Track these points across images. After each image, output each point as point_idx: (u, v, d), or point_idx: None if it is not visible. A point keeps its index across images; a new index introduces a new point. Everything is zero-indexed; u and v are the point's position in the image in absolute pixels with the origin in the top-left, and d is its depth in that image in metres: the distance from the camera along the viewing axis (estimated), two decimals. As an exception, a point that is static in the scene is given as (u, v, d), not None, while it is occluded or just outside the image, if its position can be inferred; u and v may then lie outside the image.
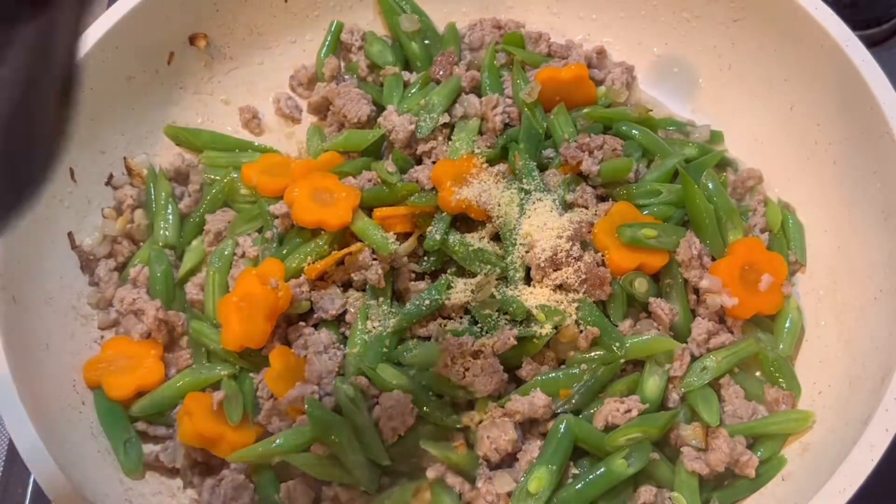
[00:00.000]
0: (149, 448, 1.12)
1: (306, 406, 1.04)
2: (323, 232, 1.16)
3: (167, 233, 1.25)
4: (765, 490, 1.04)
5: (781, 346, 1.14)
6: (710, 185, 1.19)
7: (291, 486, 1.04)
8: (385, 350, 1.09)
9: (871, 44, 1.43)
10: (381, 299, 1.13)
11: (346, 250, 1.13)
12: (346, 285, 1.16)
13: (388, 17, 1.43)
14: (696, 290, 1.15)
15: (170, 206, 1.27)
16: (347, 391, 1.04)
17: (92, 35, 1.21)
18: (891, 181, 1.09)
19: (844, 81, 1.15)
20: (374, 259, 1.12)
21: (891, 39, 1.51)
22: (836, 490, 0.90)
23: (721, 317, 1.15)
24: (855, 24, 1.18)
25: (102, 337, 1.20)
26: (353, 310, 1.13)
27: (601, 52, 1.39)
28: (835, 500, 0.89)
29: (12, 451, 1.24)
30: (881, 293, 1.08)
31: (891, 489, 1.02)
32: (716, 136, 1.34)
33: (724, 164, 1.29)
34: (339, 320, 1.14)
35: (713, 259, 1.16)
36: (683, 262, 1.14)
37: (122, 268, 1.24)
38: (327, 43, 1.42)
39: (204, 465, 1.10)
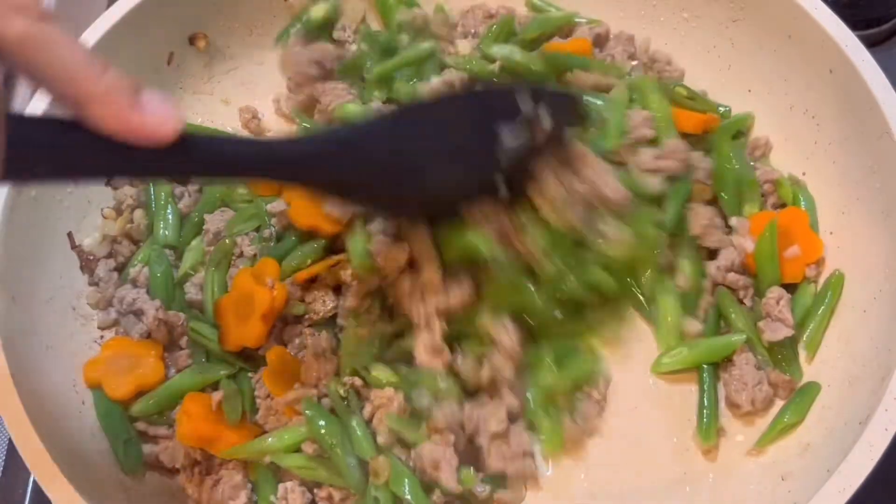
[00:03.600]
0: (149, 448, 1.12)
1: (303, 406, 1.04)
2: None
3: (167, 233, 1.25)
4: (764, 490, 1.04)
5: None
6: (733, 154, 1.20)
7: (290, 487, 1.04)
8: (376, 350, 1.09)
9: (871, 44, 1.43)
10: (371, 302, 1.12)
11: (331, 261, 1.12)
12: (338, 287, 1.15)
13: (382, 13, 1.41)
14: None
15: (170, 206, 1.27)
16: (341, 392, 1.05)
17: (92, 35, 1.21)
18: (890, 181, 1.08)
19: (844, 81, 1.14)
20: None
21: (891, 39, 1.51)
22: (835, 490, 0.89)
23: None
24: (855, 24, 1.18)
25: (102, 337, 1.20)
26: (344, 311, 1.12)
27: (604, 34, 1.37)
28: (834, 500, 0.89)
29: (12, 451, 1.24)
30: (881, 293, 1.07)
31: (891, 489, 1.02)
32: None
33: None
34: (331, 321, 1.14)
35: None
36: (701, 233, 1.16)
37: (122, 268, 1.24)
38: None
39: (203, 464, 1.10)
